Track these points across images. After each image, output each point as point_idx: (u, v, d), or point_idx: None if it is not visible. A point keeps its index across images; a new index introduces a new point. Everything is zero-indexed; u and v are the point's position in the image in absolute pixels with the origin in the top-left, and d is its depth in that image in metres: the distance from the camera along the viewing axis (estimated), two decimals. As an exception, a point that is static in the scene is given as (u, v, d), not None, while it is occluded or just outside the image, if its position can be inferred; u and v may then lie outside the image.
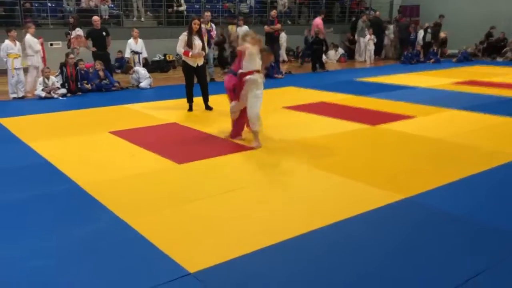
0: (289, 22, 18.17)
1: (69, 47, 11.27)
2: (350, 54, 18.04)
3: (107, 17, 14.35)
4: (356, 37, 17.76)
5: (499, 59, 16.95)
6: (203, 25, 9.24)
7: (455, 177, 4.69)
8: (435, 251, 3.27)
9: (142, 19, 15.48)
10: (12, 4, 13.28)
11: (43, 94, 9.50)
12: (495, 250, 3.30)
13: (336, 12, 19.74)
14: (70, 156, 5.62)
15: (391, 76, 12.90)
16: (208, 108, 8.28)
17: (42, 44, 10.60)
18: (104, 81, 10.66)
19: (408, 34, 17.59)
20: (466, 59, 16.71)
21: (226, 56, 14.51)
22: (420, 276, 2.97)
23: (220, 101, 7.70)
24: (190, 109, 8.24)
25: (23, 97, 9.77)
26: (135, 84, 11.21)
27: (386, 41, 18.50)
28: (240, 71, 5.82)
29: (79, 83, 10.14)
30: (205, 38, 8.98)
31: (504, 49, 17.20)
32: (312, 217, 3.80)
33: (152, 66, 13.40)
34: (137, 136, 6.42)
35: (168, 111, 8.23)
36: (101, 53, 11.06)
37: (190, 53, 7.81)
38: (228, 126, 6.44)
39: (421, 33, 17.54)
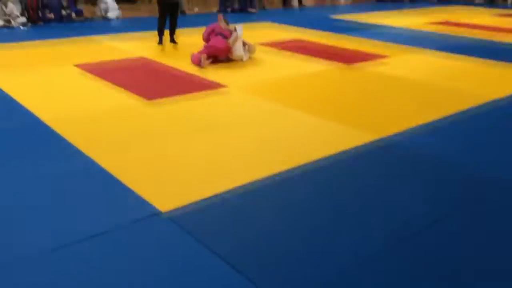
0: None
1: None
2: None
3: None
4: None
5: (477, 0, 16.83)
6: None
7: (431, 118, 4.67)
8: (403, 193, 3.26)
9: None
10: None
11: (1, 22, 8.91)
12: (459, 193, 3.30)
13: None
14: (32, 90, 5.33)
15: (367, 14, 12.72)
16: (173, 41, 8.05)
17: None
18: (68, 10, 10.06)
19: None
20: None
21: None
22: (384, 220, 2.96)
23: (187, 34, 7.38)
24: (160, 42, 7.95)
25: (-21, 26, 9.17)
26: (102, 14, 10.67)
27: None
28: None
29: (40, 12, 9.53)
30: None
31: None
32: (289, 156, 3.73)
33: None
34: (105, 70, 6.14)
35: (137, 44, 7.93)
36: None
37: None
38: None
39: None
